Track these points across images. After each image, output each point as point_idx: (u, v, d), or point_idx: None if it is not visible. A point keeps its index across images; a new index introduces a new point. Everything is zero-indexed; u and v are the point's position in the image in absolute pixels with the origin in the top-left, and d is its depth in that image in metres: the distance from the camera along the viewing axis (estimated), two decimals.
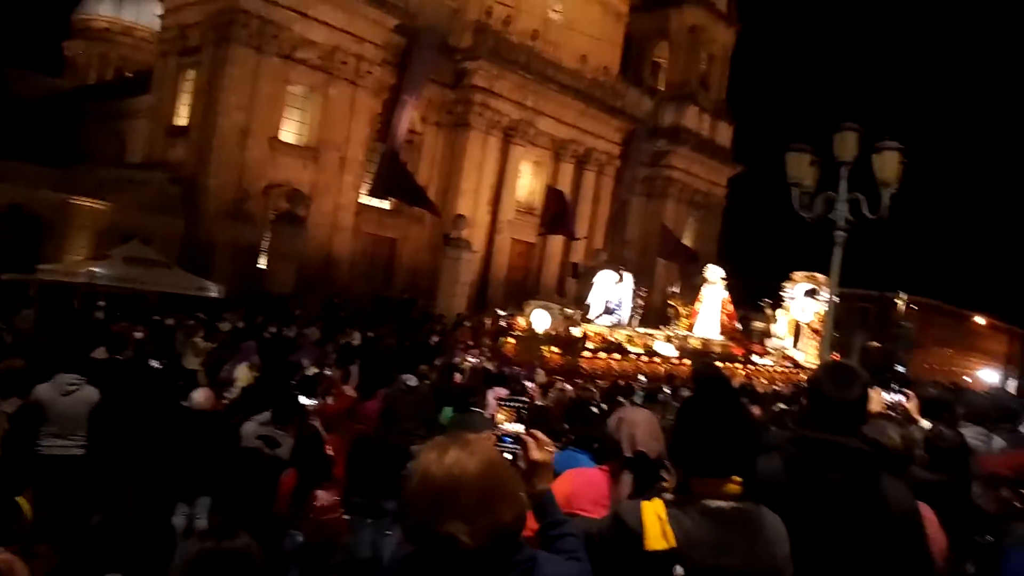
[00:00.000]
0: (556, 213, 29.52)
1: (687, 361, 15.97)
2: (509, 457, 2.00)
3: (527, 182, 33.21)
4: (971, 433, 4.51)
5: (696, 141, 38.63)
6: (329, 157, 26.50)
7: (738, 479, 1.95)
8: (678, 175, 38.64)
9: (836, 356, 23.40)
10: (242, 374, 8.82)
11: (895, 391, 5.30)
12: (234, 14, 23.92)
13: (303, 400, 5.92)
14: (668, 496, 1.98)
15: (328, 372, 7.75)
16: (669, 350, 16.86)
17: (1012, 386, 47.95)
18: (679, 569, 1.84)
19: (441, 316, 21.35)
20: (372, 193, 27.65)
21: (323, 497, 4.99)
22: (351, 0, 25.83)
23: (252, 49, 24.35)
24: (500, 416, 2.14)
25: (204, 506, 5.38)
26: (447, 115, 30.36)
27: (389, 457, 5.61)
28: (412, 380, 7.53)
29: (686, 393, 11.26)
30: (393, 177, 25.73)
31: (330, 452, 5.36)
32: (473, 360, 11.24)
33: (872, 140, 9.82)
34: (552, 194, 30.36)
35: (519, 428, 2.06)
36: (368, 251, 29.00)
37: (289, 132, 26.13)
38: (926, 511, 2.77)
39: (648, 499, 1.97)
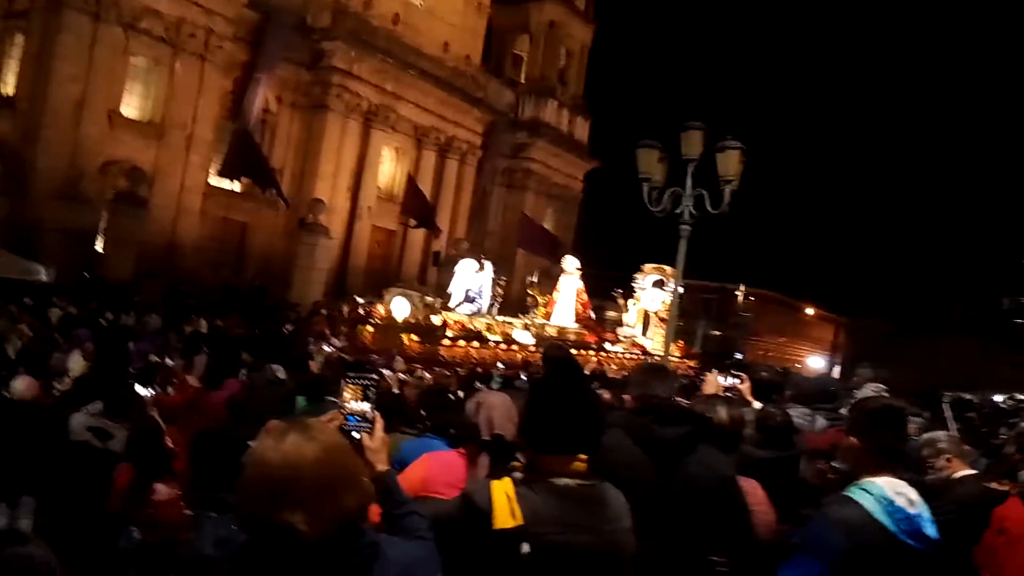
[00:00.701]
0: (416, 204, 29.28)
1: (543, 349, 16.30)
2: (357, 436, 1.96)
3: (388, 168, 32.76)
4: (797, 413, 4.90)
5: (555, 135, 39.48)
6: (175, 135, 25.01)
7: (584, 457, 2.02)
8: (537, 167, 39.36)
9: (682, 344, 24.79)
10: (76, 363, 8.18)
11: (732, 375, 5.66)
12: None
13: (140, 390, 5.55)
14: (518, 475, 2.02)
15: (169, 362, 7.32)
16: (527, 338, 17.17)
17: (836, 371, 52.28)
18: (526, 547, 1.88)
19: (296, 304, 20.69)
20: (222, 174, 26.32)
21: (162, 492, 4.70)
22: None
23: (88, 16, 22.54)
24: (346, 394, 2.09)
25: (28, 506, 4.95)
26: (304, 96, 29.40)
27: (237, 451, 5.37)
28: (281, 372, 7.24)
29: None
30: (244, 158, 24.60)
31: (171, 445, 5.07)
32: (328, 349, 10.96)
33: (717, 138, 10.39)
34: (412, 184, 30.10)
35: (366, 407, 2.03)
36: (217, 236, 27.62)
37: (131, 107, 24.43)
38: (753, 486, 2.99)
39: (498, 479, 2.00)
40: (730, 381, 5.44)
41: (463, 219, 35.68)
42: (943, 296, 74.23)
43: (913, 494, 2.36)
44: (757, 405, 4.54)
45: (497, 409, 2.76)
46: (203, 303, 17.86)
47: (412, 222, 30.13)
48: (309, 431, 1.59)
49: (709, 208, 9.95)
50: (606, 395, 9.23)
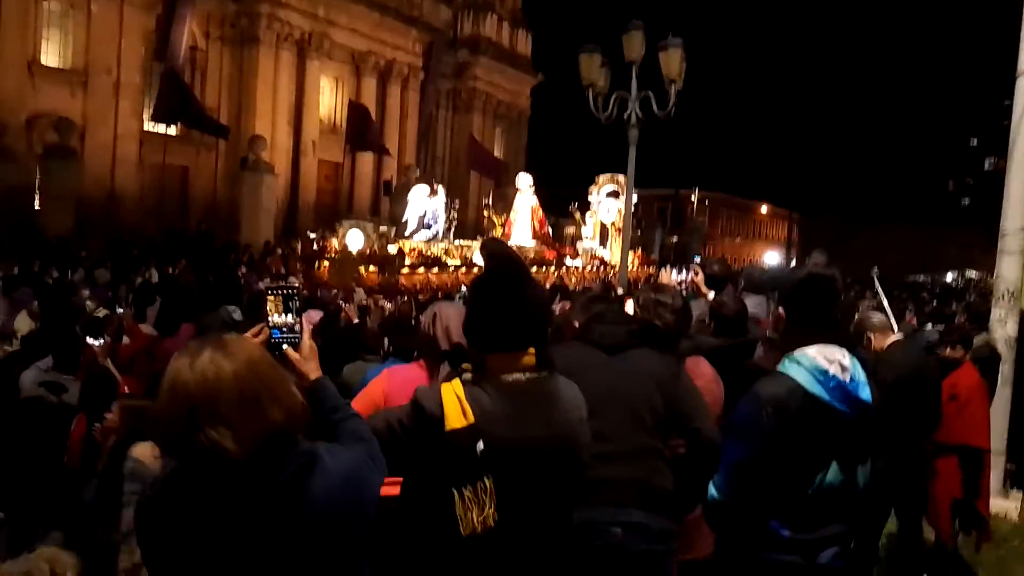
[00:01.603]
0: (361, 129, 28.52)
1: None
2: (287, 348, 1.92)
3: (329, 99, 31.77)
4: (752, 302, 4.94)
5: (496, 51, 38.53)
6: (101, 81, 23.89)
7: (532, 351, 1.99)
8: (482, 86, 38.53)
9: (639, 253, 25.01)
10: (22, 323, 7.96)
11: (686, 269, 5.73)
12: None
13: (90, 341, 5.41)
14: (467, 376, 1.99)
15: (120, 311, 7.12)
16: None
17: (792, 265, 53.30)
18: (480, 444, 1.86)
19: (247, 246, 20.26)
20: (155, 119, 25.27)
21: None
22: None
23: None
24: (269, 307, 2.02)
25: None
26: (232, 29, 28.13)
27: None
28: (237, 313, 7.09)
29: None
30: (176, 100, 23.61)
31: (126, 392, 4.97)
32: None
33: (659, 38, 10.18)
34: (354, 109, 29.23)
35: (290, 319, 1.98)
36: (157, 183, 26.65)
37: (51, 55, 23.20)
38: (696, 362, 3.03)
39: (448, 381, 1.97)
40: (683, 276, 5.49)
41: (411, 145, 34.98)
42: (891, 186, 75.56)
43: (846, 359, 2.32)
44: (711, 295, 4.60)
45: (453, 319, 2.72)
46: (149, 253, 17.39)
47: (349, 147, 29.37)
48: (226, 347, 1.53)
49: (656, 110, 9.84)
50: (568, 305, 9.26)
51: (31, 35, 22.32)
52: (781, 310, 2.48)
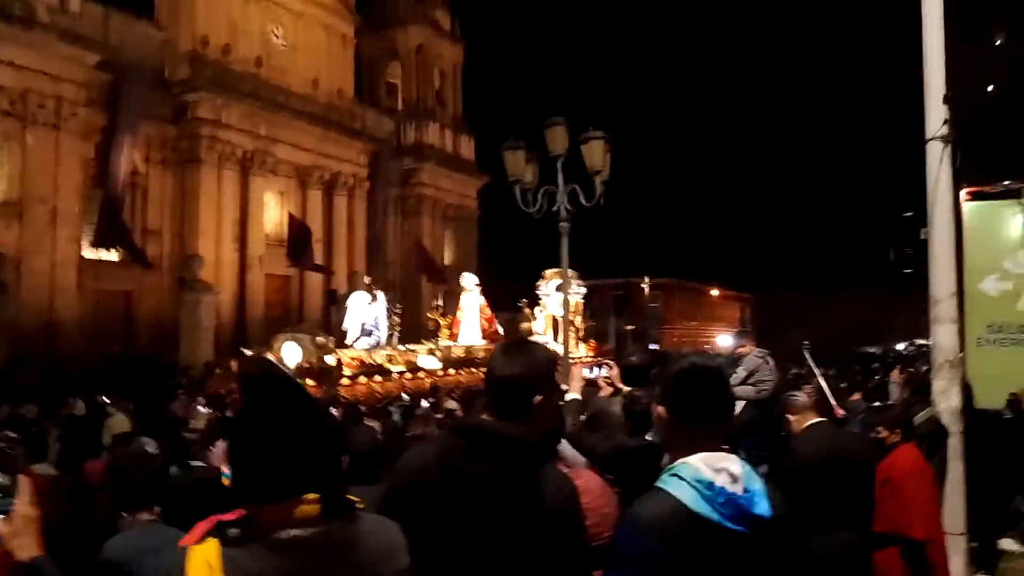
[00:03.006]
0: (301, 243, 28.46)
1: (451, 371, 15.92)
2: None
3: (275, 214, 31.75)
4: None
5: (441, 156, 39.28)
6: (37, 212, 23.53)
7: (312, 497, 1.55)
8: (429, 191, 39.05)
9: (593, 343, 24.82)
10: None
11: (600, 364, 5.47)
12: None
13: None
14: (234, 532, 1.54)
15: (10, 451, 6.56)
16: (433, 363, 16.74)
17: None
18: None
19: (188, 367, 19.62)
20: (95, 244, 24.96)
21: None
22: (39, 37, 23.10)
23: None
24: None
25: None
26: (173, 152, 28.23)
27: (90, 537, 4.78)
28: (151, 446, 6.62)
29: (450, 404, 11.11)
30: (113, 226, 23.37)
31: None
32: (205, 410, 10.26)
33: (583, 132, 10.28)
34: (293, 223, 29.25)
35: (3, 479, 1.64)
36: (100, 309, 26.11)
37: None
38: (586, 480, 2.66)
39: (202, 541, 1.52)
40: (597, 372, 5.22)
41: (360, 254, 34.97)
42: (836, 257, 77.52)
43: (736, 467, 1.97)
44: (627, 390, 4.32)
45: None
46: (81, 383, 16.66)
47: (289, 263, 29.18)
48: None
49: (583, 202, 9.82)
50: None
51: None
52: (661, 409, 2.15)
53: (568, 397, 3.89)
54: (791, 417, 4.13)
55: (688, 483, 1.94)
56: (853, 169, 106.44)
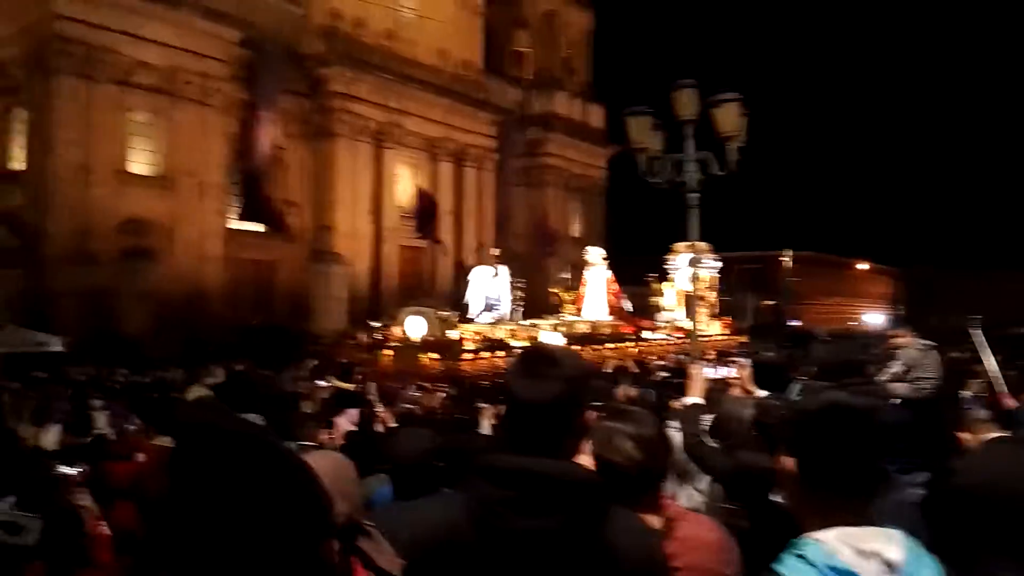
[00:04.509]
0: (424, 215, 28.73)
1: (575, 347, 15.45)
2: None
3: (407, 186, 32.26)
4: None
5: (568, 126, 38.61)
6: (186, 184, 24.87)
7: None
8: (555, 161, 38.53)
9: (728, 320, 23.66)
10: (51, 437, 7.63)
11: (728, 363, 4.81)
12: (54, 43, 22.03)
13: (64, 469, 4.90)
14: None
15: (132, 427, 6.67)
16: (556, 339, 16.33)
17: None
18: None
19: (320, 337, 20.19)
20: (242, 217, 26.18)
21: None
22: (184, 16, 24.25)
23: (81, 78, 22.52)
24: None
25: None
26: (308, 126, 29.09)
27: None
28: (257, 420, 6.61)
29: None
30: (255, 200, 24.35)
31: (103, 530, 4.41)
32: (324, 384, 10.29)
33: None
34: (421, 196, 29.54)
35: None
36: (245, 279, 27.39)
37: (138, 163, 24.35)
38: (698, 530, 2.01)
39: None
40: (723, 372, 4.56)
41: (489, 226, 35.02)
42: (993, 234, 71.04)
43: (894, 550, 1.38)
44: (761, 394, 3.68)
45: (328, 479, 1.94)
46: (223, 350, 17.43)
47: (418, 235, 29.46)
48: None
49: (716, 171, 9.01)
50: (625, 391, 8.30)
51: (119, 144, 23.49)
52: (789, 462, 1.55)
53: (688, 401, 3.34)
54: (967, 436, 3.37)
55: (818, 571, 1.39)
56: (1014, 142, 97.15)
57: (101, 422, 7.12)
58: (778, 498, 1.64)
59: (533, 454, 1.59)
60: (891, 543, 1.40)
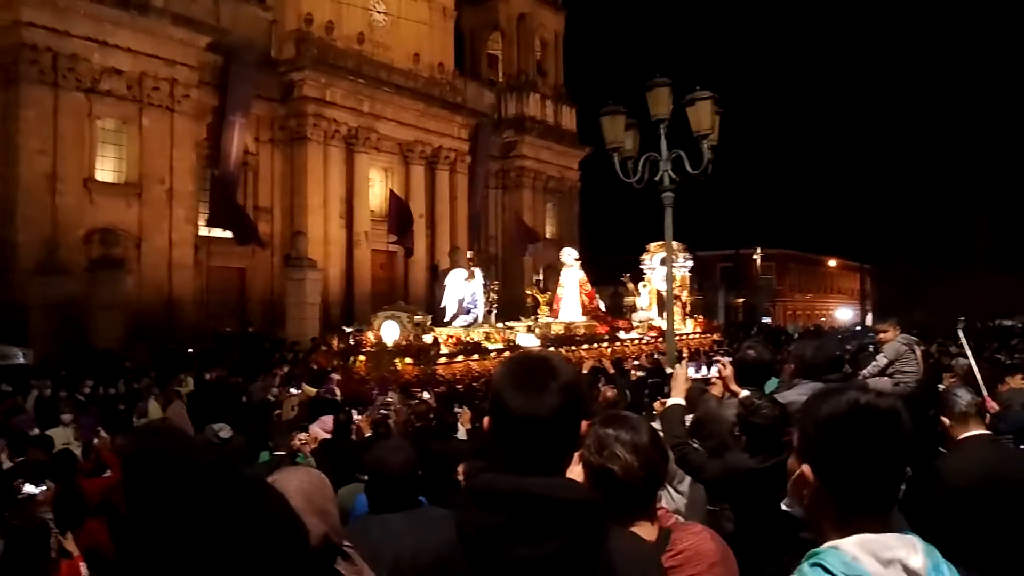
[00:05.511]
0: (398, 219, 28.58)
1: (551, 349, 15.42)
2: None
3: (379, 190, 32.06)
4: (801, 392, 3.92)
5: (542, 128, 38.66)
6: (155, 192, 24.49)
7: None
8: (529, 163, 38.55)
9: (701, 319, 23.78)
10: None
11: (712, 362, 4.79)
12: (19, 51, 21.58)
13: (28, 489, 4.76)
14: None
15: (97, 440, 6.50)
16: (531, 341, 16.30)
17: (868, 320, 50.80)
18: None
19: (294, 343, 19.96)
20: (210, 224, 25.84)
21: None
22: (153, 22, 23.89)
23: (47, 86, 22.08)
24: None
25: None
26: (281, 131, 28.83)
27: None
28: (225, 431, 6.47)
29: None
30: (225, 207, 24.04)
31: (72, 548, 4.29)
32: (296, 391, 10.14)
33: (689, 93, 9.47)
34: (394, 200, 29.39)
35: None
36: (217, 286, 27.08)
37: (107, 171, 23.94)
38: (701, 542, 1.94)
39: None
40: (704, 371, 4.53)
41: (462, 229, 34.91)
42: (964, 230, 72.04)
43: (916, 557, 1.33)
44: (745, 393, 3.62)
45: (294, 498, 1.85)
46: (192, 359, 17.18)
47: (392, 238, 29.32)
48: None
49: (689, 169, 9.03)
50: (609, 392, 8.27)
51: (87, 153, 23.08)
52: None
53: (670, 402, 3.28)
54: (947, 422, 3.34)
55: None
56: (984, 137, 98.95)
57: (66, 437, 6.92)
58: (785, 506, 1.54)
59: (532, 473, 1.48)
60: (913, 551, 1.35)
